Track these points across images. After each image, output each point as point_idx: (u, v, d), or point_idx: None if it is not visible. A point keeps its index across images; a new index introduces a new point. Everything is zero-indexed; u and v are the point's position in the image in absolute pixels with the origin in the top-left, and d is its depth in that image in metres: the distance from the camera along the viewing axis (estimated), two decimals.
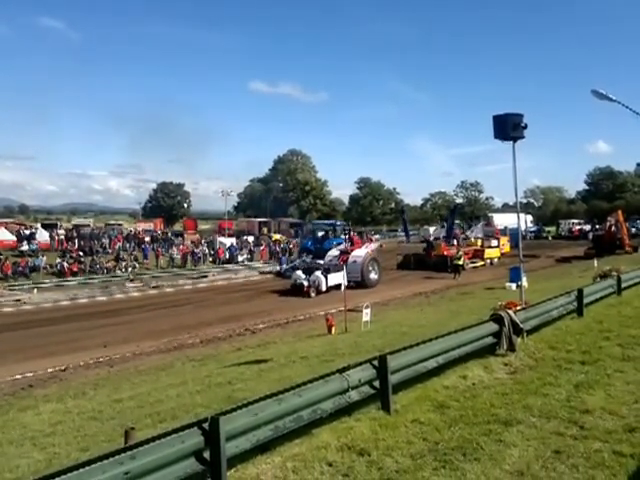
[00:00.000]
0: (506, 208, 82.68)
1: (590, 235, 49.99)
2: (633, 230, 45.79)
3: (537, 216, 79.18)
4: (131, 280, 33.21)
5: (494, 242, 39.69)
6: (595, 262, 23.48)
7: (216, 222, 73.32)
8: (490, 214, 67.97)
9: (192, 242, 47.50)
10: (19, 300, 26.72)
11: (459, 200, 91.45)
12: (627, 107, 15.63)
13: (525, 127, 10.49)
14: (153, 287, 31.26)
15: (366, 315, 13.88)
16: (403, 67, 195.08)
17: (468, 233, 47.50)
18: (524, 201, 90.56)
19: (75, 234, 45.60)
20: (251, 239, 51.75)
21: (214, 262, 41.52)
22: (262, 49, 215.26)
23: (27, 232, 42.26)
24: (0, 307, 25.22)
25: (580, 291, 11.34)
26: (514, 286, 18.14)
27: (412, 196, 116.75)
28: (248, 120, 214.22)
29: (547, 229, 67.51)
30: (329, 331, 14.24)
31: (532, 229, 63.05)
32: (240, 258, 42.73)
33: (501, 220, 53.71)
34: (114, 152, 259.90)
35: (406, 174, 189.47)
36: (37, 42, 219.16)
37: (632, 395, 6.28)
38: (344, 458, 4.85)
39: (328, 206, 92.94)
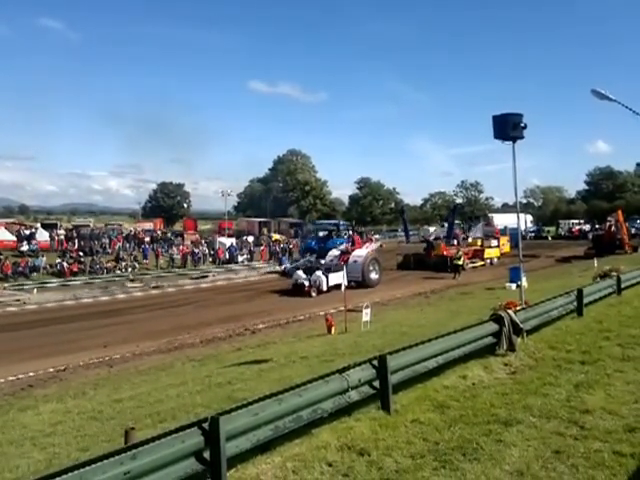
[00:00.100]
0: (506, 208, 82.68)
1: (590, 235, 50.01)
2: (633, 230, 45.75)
3: (537, 216, 79.17)
4: (131, 280, 33.21)
5: (494, 242, 39.70)
6: (595, 262, 23.48)
7: (216, 222, 73.24)
8: (490, 214, 67.96)
9: (192, 242, 47.51)
10: (19, 300, 26.71)
11: (459, 200, 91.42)
12: (627, 107, 15.65)
13: (525, 127, 10.50)
14: (153, 287, 31.25)
15: (366, 315, 13.88)
16: (403, 67, 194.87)
17: (470, 234, 47.44)
18: (524, 201, 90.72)
19: (75, 234, 45.59)
20: (251, 239, 51.75)
21: (214, 262, 41.51)
22: (262, 49, 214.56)
23: (27, 232, 42.27)
24: (0, 307, 25.22)
25: (580, 291, 11.35)
26: (514, 286, 18.15)
27: (412, 196, 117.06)
28: (248, 120, 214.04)
29: (547, 229, 67.50)
30: (329, 331, 14.24)
31: (532, 229, 63.07)
32: (240, 258, 42.73)
33: (501, 220, 53.67)
34: (114, 152, 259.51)
35: (406, 174, 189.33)
36: (37, 42, 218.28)
37: (632, 395, 6.28)
38: (344, 458, 4.86)
39: (328, 206, 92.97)
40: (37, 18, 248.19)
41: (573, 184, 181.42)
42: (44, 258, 35.58)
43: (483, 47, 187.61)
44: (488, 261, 36.54)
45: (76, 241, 42.88)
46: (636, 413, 5.69)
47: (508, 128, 10.46)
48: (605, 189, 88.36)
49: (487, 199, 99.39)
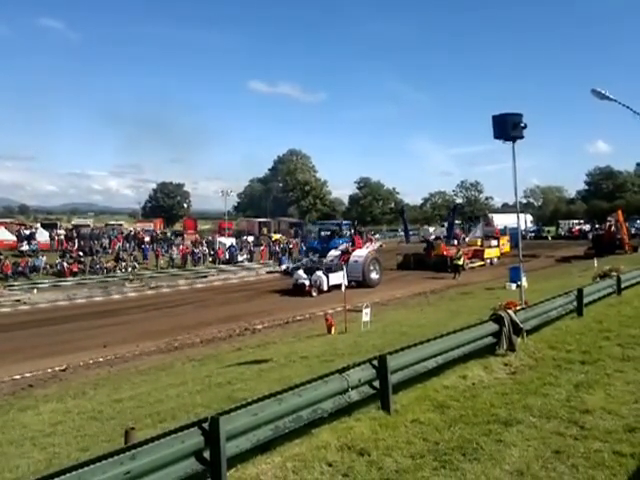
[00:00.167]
0: (506, 208, 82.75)
1: (590, 235, 50.00)
2: (633, 230, 45.75)
3: (537, 216, 79.21)
4: (131, 280, 33.20)
5: (494, 242, 39.70)
6: (595, 262, 23.47)
7: (216, 222, 73.23)
8: (490, 214, 67.94)
9: (192, 242, 47.50)
10: (19, 300, 26.72)
11: (459, 200, 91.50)
12: (627, 107, 15.66)
13: (524, 127, 10.51)
14: (153, 287, 31.25)
15: (366, 315, 13.87)
16: (403, 67, 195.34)
17: (470, 235, 47.43)
18: (524, 201, 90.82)
19: (75, 234, 45.57)
20: (251, 239, 51.76)
21: (214, 262, 41.50)
22: (262, 49, 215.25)
23: (27, 232, 42.25)
24: (0, 307, 25.22)
25: (580, 291, 11.35)
26: (514, 286, 18.14)
27: (412, 196, 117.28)
28: (248, 120, 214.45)
29: (547, 229, 67.54)
30: (329, 331, 14.24)
31: (532, 229, 63.07)
32: (240, 258, 42.72)
33: (501, 220, 53.68)
34: (114, 152, 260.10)
35: (406, 174, 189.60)
36: (37, 42, 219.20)
37: (632, 395, 6.28)
38: (344, 458, 4.86)
39: (328, 206, 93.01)
40: (37, 18, 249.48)
41: (573, 184, 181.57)
42: (44, 258, 35.59)
43: (483, 47, 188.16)
44: (488, 261, 36.52)
45: (76, 241, 42.88)
46: (636, 413, 5.69)
47: (508, 128, 10.46)
48: (605, 189, 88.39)
49: (487, 199, 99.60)
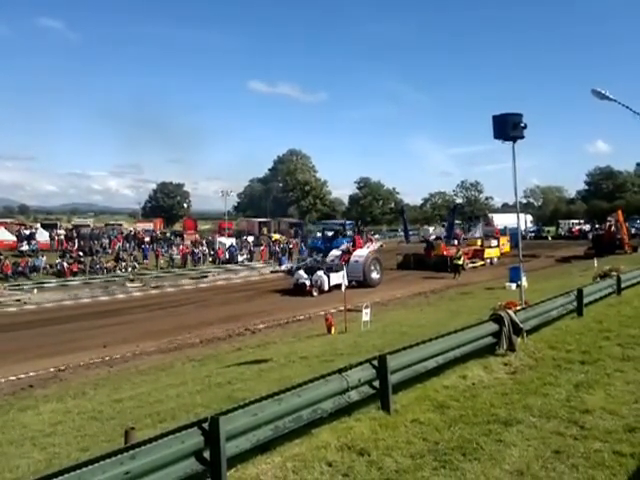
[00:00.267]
0: (506, 208, 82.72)
1: (590, 235, 50.00)
2: (633, 230, 45.74)
3: (537, 216, 79.20)
4: (131, 280, 33.21)
5: (494, 242, 39.70)
6: (595, 262, 23.48)
7: (216, 222, 73.28)
8: (490, 214, 67.96)
9: (192, 242, 47.51)
10: (19, 300, 26.73)
11: (459, 200, 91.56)
12: (627, 107, 15.66)
13: (524, 127, 10.50)
14: (153, 287, 31.26)
15: (366, 315, 13.88)
16: (403, 67, 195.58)
17: (469, 235, 47.42)
18: (524, 201, 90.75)
19: (75, 234, 45.59)
20: (251, 239, 51.77)
21: (214, 262, 41.52)
22: (262, 49, 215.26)
23: (27, 232, 42.27)
24: (0, 307, 25.21)
25: (580, 291, 11.35)
26: (514, 286, 18.15)
27: (412, 196, 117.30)
28: (248, 120, 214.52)
29: (547, 229, 67.54)
30: (329, 331, 14.25)
31: (532, 229, 63.06)
32: (240, 258, 42.73)
33: (501, 220, 53.72)
34: (114, 152, 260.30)
35: (406, 174, 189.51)
36: (37, 42, 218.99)
37: (632, 395, 6.28)
38: (344, 458, 4.85)
39: (328, 206, 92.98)
40: (37, 18, 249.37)
41: (573, 184, 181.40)
42: (44, 258, 35.60)
43: (483, 47, 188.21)
44: (488, 261, 36.54)
45: (76, 241, 42.89)
46: (636, 413, 5.68)
47: (508, 128, 10.45)
48: (605, 189, 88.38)
49: (487, 199, 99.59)
